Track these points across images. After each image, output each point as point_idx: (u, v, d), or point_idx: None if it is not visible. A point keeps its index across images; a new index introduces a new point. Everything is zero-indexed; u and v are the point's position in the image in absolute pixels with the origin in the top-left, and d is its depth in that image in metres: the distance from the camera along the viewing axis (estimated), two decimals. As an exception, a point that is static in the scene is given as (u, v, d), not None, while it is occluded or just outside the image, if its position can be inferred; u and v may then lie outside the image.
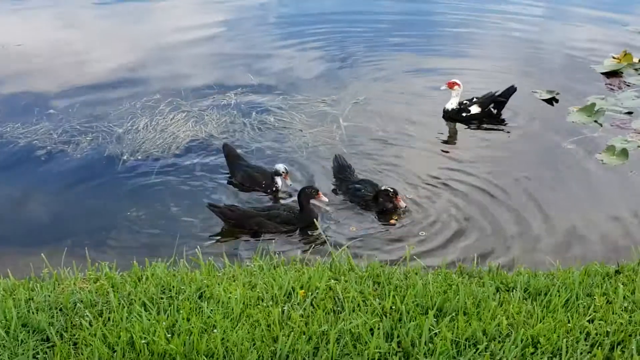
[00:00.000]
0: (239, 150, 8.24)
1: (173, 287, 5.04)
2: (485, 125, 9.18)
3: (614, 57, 10.84)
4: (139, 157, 8.13)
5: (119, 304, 4.70)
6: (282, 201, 7.48)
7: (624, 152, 8.12)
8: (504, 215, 7.07)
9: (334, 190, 7.54)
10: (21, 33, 12.64)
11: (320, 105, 9.57)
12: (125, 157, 8.12)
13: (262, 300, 4.77)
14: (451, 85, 9.09)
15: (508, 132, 8.96)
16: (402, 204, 7.04)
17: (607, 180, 7.72)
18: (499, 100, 9.24)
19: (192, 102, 9.56)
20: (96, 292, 5.03)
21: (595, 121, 9.00)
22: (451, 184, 7.70)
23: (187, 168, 7.99)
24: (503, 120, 9.26)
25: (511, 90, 9.24)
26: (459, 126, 9.15)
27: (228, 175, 7.83)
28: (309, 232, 6.89)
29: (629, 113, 9.20)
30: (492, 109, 9.24)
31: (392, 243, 6.68)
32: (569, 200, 7.35)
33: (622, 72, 10.48)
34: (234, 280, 5.18)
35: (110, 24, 13.49)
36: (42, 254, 5.43)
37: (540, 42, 12.08)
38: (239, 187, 7.68)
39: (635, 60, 10.69)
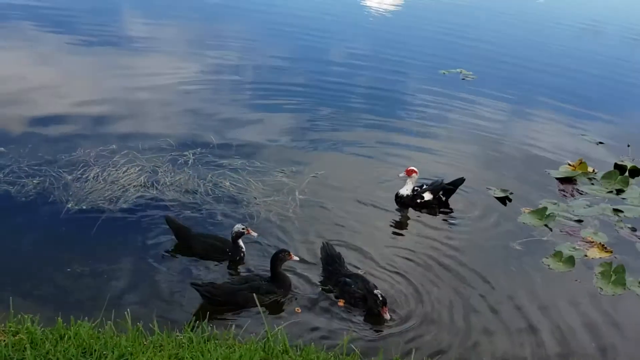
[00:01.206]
0: (187, 212, 8.10)
1: (95, 350, 4.83)
2: (435, 214, 9.21)
3: (569, 164, 11.08)
4: (84, 207, 7.93)
5: (34, 363, 4.45)
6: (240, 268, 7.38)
7: (571, 260, 8.18)
8: (445, 311, 6.97)
9: (322, 282, 7.22)
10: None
11: (279, 175, 9.53)
12: (69, 206, 7.90)
13: (186, 376, 4.57)
14: (409, 173, 9.17)
15: (458, 225, 8.97)
16: (387, 316, 6.66)
17: (552, 287, 7.72)
18: (448, 188, 9.50)
19: (148, 157, 9.44)
20: (13, 347, 4.78)
21: (546, 225, 9.09)
22: (397, 271, 7.63)
23: (132, 224, 7.78)
24: (454, 211, 9.30)
25: (460, 181, 9.56)
26: (410, 212, 9.17)
27: (163, 233, 7.62)
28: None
29: (579, 221, 9.33)
30: (442, 196, 9.44)
31: (337, 327, 6.51)
32: (512, 302, 7.30)
33: (576, 180, 10.70)
34: (160, 351, 4.98)
35: (82, 67, 13.47)
36: (-39, 300, 5.15)
37: (500, 142, 12.32)
38: (195, 255, 7.39)
39: (590, 169, 10.94)
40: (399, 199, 9.28)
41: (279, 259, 6.99)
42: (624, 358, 6.59)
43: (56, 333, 5.07)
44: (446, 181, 9.54)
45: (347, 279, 6.99)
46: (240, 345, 5.15)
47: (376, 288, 6.84)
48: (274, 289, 6.89)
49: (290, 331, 5.94)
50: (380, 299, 6.67)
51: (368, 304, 6.74)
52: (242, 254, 7.48)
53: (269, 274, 7.00)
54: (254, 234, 7.46)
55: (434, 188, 9.39)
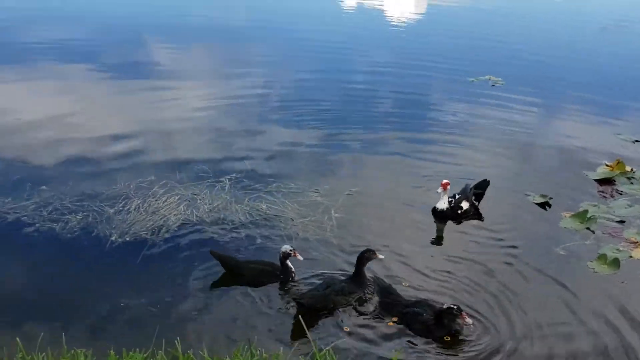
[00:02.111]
0: (227, 237, 8.22)
1: (148, 380, 4.89)
2: (476, 224, 9.16)
3: (607, 165, 10.95)
4: (128, 239, 8.06)
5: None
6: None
7: (616, 262, 8.07)
8: (497, 320, 6.92)
9: (379, 314, 7.00)
10: (21, 105, 12.83)
11: (313, 195, 9.58)
12: (113, 238, 8.05)
13: (239, 401, 4.61)
14: (445, 186, 9.10)
15: (501, 233, 8.89)
16: (468, 320, 6.57)
17: (599, 290, 7.62)
18: (477, 192, 9.53)
19: (186, 186, 9.58)
20: (67, 383, 4.86)
21: (588, 228, 8.99)
22: (443, 283, 7.61)
23: (175, 253, 7.89)
24: (494, 219, 9.24)
25: (485, 183, 9.64)
26: (449, 223, 9.12)
27: (207, 260, 7.70)
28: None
29: (621, 222, 9.21)
30: (474, 202, 9.45)
31: (385, 345, 6.50)
32: (561, 308, 7.23)
33: (614, 180, 10.56)
34: (212, 377, 5.03)
35: (112, 101, 13.72)
36: (17, 338, 5.27)
37: (535, 146, 12.24)
38: (247, 281, 7.39)
39: (628, 169, 10.79)
40: (439, 213, 9.19)
41: (364, 258, 7.30)
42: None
43: (109, 365, 5.16)
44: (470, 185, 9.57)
45: (415, 309, 6.75)
46: (290, 368, 5.19)
47: (443, 304, 6.74)
48: (355, 289, 7.18)
49: (338, 351, 5.96)
50: (455, 307, 6.56)
51: (445, 323, 6.58)
52: (293, 275, 7.51)
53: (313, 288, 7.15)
54: (300, 257, 7.47)
55: (467, 195, 9.37)
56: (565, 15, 30.58)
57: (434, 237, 8.82)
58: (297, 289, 7.31)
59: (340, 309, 7.04)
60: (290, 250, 7.42)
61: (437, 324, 6.61)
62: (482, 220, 9.24)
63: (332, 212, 9.07)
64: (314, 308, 6.94)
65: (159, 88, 14.78)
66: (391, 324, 6.80)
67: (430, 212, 9.30)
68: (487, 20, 27.00)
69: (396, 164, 11.01)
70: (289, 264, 7.49)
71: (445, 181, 9.13)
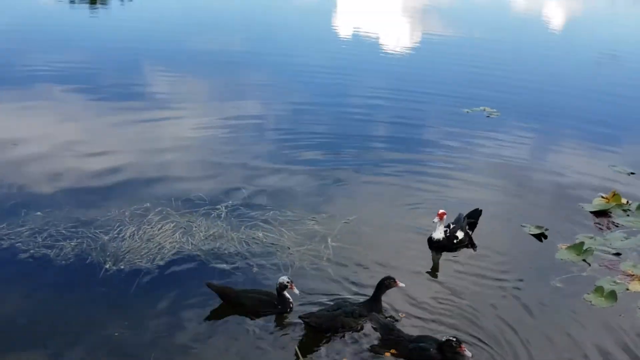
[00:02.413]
0: (223, 265, 8.18)
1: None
2: (471, 255, 9.13)
3: (602, 197, 10.98)
4: (122, 267, 8.00)
5: None
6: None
7: (613, 295, 8.05)
8: (492, 352, 6.88)
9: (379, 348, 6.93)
10: (17, 132, 12.79)
11: (310, 223, 9.55)
12: (107, 266, 7.99)
13: None
14: (441, 216, 9.09)
15: (497, 264, 8.87)
16: (468, 353, 6.58)
17: (597, 323, 7.59)
18: (470, 221, 9.60)
19: (181, 213, 9.54)
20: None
21: (584, 260, 8.98)
22: (440, 314, 7.58)
23: (170, 282, 7.83)
24: (490, 250, 9.22)
25: (477, 213, 9.78)
26: (445, 254, 9.09)
27: (202, 288, 7.64)
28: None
29: (617, 254, 9.21)
30: (468, 231, 9.48)
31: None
32: (559, 341, 7.20)
33: (610, 212, 10.58)
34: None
35: (108, 128, 13.66)
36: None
37: (530, 177, 12.27)
38: (245, 311, 7.36)
39: (624, 201, 10.82)
40: (435, 243, 9.16)
41: (384, 286, 7.45)
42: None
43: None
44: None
45: (421, 344, 6.69)
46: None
47: (442, 338, 6.72)
48: (366, 313, 7.24)
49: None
50: (454, 340, 6.58)
51: (450, 356, 6.58)
52: (291, 305, 7.43)
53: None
54: (297, 291, 7.38)
55: (462, 225, 9.37)
56: (560, 47, 30.88)
57: (431, 267, 8.78)
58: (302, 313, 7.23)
59: (347, 335, 7.02)
60: (288, 282, 7.35)
61: (444, 357, 6.58)
62: (476, 250, 9.23)
63: (329, 240, 9.04)
64: (321, 328, 7.03)
65: (155, 115, 14.78)
66: (387, 354, 6.74)
67: (426, 242, 9.28)
68: (482, 52, 27.20)
69: (392, 193, 11.01)
70: (287, 294, 7.41)
71: (441, 211, 9.12)
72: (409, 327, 7.23)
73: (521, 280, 8.45)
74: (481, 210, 9.85)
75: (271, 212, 9.78)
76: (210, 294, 7.51)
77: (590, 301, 8.02)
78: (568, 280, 8.48)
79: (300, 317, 7.10)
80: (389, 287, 7.49)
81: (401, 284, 7.54)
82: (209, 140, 13.21)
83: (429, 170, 12.25)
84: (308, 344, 6.78)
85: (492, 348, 6.95)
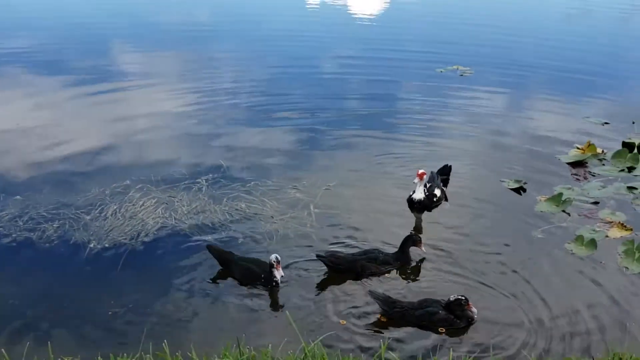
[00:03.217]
0: (207, 238, 8.18)
1: (138, 384, 4.86)
2: (451, 212, 9.22)
3: (578, 148, 11.12)
4: (106, 245, 7.98)
5: (81, 403, 4.50)
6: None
7: (593, 242, 8.20)
8: (477, 307, 6.98)
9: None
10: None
11: (292, 192, 9.58)
12: (92, 245, 7.95)
13: (232, 400, 4.60)
14: (421, 176, 9.07)
15: (478, 220, 8.99)
16: (474, 309, 6.68)
17: (578, 271, 7.74)
18: (443, 178, 9.70)
19: (162, 189, 9.50)
20: (57, 391, 4.82)
21: (563, 211, 9.12)
22: (425, 273, 7.68)
23: (156, 257, 7.84)
24: (471, 207, 9.32)
25: (447, 168, 9.91)
26: (425, 214, 9.16)
27: (188, 262, 7.67)
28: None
29: (596, 203, 9.36)
30: (443, 188, 9.52)
31: (375, 337, 6.53)
32: (541, 291, 7.32)
33: (587, 162, 10.74)
34: (203, 377, 5.01)
35: (83, 107, 13.52)
36: (2, 349, 5.20)
37: (506, 133, 12.38)
38: (236, 280, 7.40)
39: (599, 151, 10.97)
40: (416, 204, 9.04)
41: (410, 240, 7.76)
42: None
43: (98, 372, 5.12)
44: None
45: (428, 309, 6.69)
46: (280, 364, 5.19)
47: (449, 297, 6.76)
48: (390, 260, 7.60)
49: (328, 344, 5.99)
50: (463, 298, 6.66)
51: (460, 314, 6.66)
52: (274, 283, 7.28)
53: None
54: (281, 273, 7.21)
55: (437, 183, 9.38)
56: (530, 2, 30.92)
57: (413, 227, 8.85)
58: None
59: (347, 299, 7.09)
60: (274, 262, 7.20)
61: (456, 316, 6.67)
62: (460, 209, 9.30)
63: (312, 207, 9.08)
64: (338, 269, 7.46)
65: (129, 92, 14.64)
66: (383, 318, 6.79)
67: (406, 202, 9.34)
68: (453, 11, 27.18)
69: (371, 156, 11.06)
70: (275, 272, 7.24)
71: (421, 171, 9.07)
72: (406, 293, 7.31)
73: (503, 234, 8.56)
74: (451, 166, 9.99)
75: (252, 183, 9.78)
76: (197, 266, 7.56)
77: (571, 250, 8.17)
78: (549, 231, 8.62)
79: (317, 256, 7.49)
80: (414, 243, 7.79)
81: (423, 249, 7.83)
82: (184, 114, 13.13)
83: (405, 131, 12.31)
84: (302, 312, 6.85)
85: (475, 302, 7.04)
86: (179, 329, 6.51)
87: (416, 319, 6.69)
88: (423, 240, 7.93)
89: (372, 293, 6.90)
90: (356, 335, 6.52)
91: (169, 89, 14.89)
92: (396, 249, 7.87)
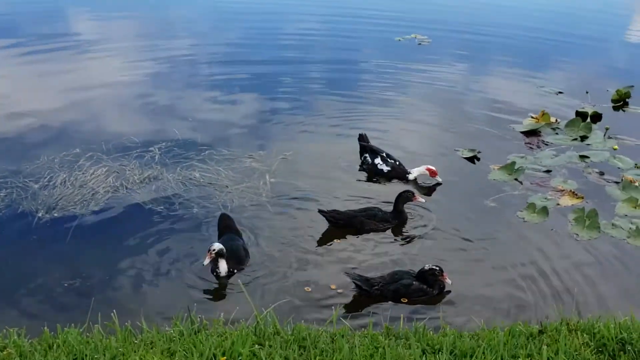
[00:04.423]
0: (160, 208, 8.06)
1: (86, 355, 4.78)
2: (406, 182, 9.24)
3: (532, 117, 11.22)
4: (55, 215, 7.78)
5: (27, 375, 4.40)
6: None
7: (544, 210, 8.31)
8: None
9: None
10: None
11: (247, 161, 9.47)
12: (40, 215, 7.75)
13: (182, 369, 4.55)
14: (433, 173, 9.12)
15: (431, 189, 9.04)
16: (449, 281, 6.72)
17: (529, 238, 7.85)
18: (369, 146, 9.57)
19: (113, 157, 9.30)
20: (2, 363, 4.70)
21: (516, 179, 9.21)
22: (376, 242, 7.70)
23: (106, 227, 7.67)
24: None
25: (363, 137, 9.70)
26: (381, 184, 9.16)
27: (140, 232, 7.53)
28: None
29: (548, 171, 9.48)
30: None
31: (317, 304, 6.53)
32: (493, 259, 7.42)
33: (540, 131, 10.85)
34: (152, 348, 4.95)
35: (31, 74, 13.14)
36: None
37: (462, 102, 12.44)
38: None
39: (553, 120, 11.09)
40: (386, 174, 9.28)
41: (402, 198, 7.96)
42: (606, 298, 6.73)
43: (44, 343, 5.00)
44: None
45: (404, 281, 6.64)
46: (231, 333, 5.14)
47: (423, 267, 6.76)
48: (388, 218, 7.89)
49: (284, 311, 5.98)
50: (437, 269, 6.67)
51: (432, 284, 6.67)
52: (216, 273, 6.88)
53: None
54: (224, 268, 6.87)
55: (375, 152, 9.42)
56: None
57: (368, 195, 8.82)
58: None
59: (310, 265, 7.08)
60: (213, 250, 6.81)
61: (429, 286, 6.66)
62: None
63: (267, 177, 8.99)
64: (338, 224, 7.77)
65: (79, 58, 14.27)
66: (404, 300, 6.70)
67: (360, 172, 9.32)
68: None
69: (326, 125, 11.01)
70: (219, 263, 6.90)
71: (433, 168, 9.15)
72: (367, 263, 7.31)
73: (455, 202, 8.63)
74: (362, 134, 9.77)
75: (207, 152, 9.64)
76: (148, 237, 7.43)
77: (523, 218, 8.27)
78: (501, 199, 8.71)
79: (319, 211, 7.79)
80: (407, 199, 8.01)
81: (421, 199, 8.11)
82: (137, 81, 12.87)
83: (361, 99, 12.28)
84: (259, 282, 6.82)
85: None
86: (129, 300, 6.40)
87: (392, 294, 6.65)
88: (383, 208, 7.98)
89: (349, 275, 6.74)
90: (312, 304, 6.49)
91: (122, 56, 14.55)
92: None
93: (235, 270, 6.93)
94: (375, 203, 8.44)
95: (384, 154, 9.35)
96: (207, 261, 6.82)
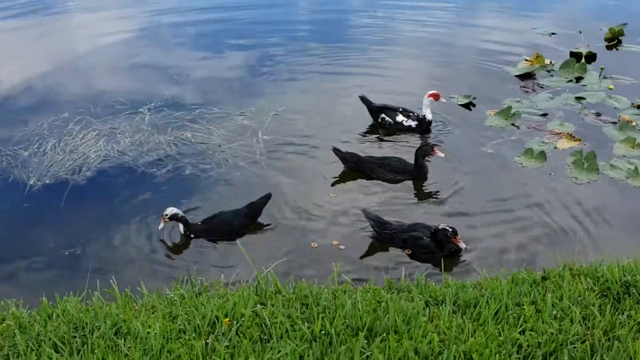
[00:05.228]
0: (153, 170, 7.94)
1: (87, 324, 4.71)
2: (403, 131, 9.11)
3: (526, 60, 11.04)
4: (47, 182, 7.65)
5: (27, 346, 4.35)
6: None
7: (542, 154, 8.22)
8: (429, 223, 6.98)
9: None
10: None
11: (239, 119, 9.31)
12: (32, 182, 7.62)
13: (184, 333, 4.51)
14: (436, 97, 8.93)
15: (427, 139, 8.92)
16: (462, 245, 6.43)
17: (529, 183, 7.78)
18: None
19: (103, 120, 9.13)
20: (1, 335, 4.64)
21: (513, 124, 9.10)
22: (376, 193, 7.63)
23: (99, 192, 7.56)
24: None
25: (364, 99, 9.29)
26: (380, 135, 9.04)
27: (134, 196, 7.42)
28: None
29: (544, 115, 9.36)
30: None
31: (318, 261, 6.48)
32: (493, 206, 7.36)
33: (535, 74, 10.68)
34: (153, 312, 4.89)
35: (15, 39, 12.82)
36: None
37: (453, 47, 12.19)
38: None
39: (547, 62, 10.91)
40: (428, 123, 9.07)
41: (420, 151, 7.75)
42: (608, 241, 6.70)
43: (44, 313, 4.93)
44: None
45: (414, 233, 6.54)
46: (232, 294, 5.08)
47: (439, 225, 6.53)
48: (404, 170, 7.73)
49: (281, 271, 5.92)
50: (450, 230, 6.39)
51: (442, 244, 6.46)
52: (182, 233, 6.83)
53: None
54: (160, 224, 6.70)
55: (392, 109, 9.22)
56: None
57: (362, 148, 8.67)
58: None
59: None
60: (166, 215, 6.66)
61: (437, 245, 6.49)
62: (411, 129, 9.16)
63: (260, 134, 8.85)
64: (349, 165, 7.88)
65: (63, 20, 13.91)
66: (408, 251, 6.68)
67: (352, 126, 9.18)
68: None
69: (318, 79, 10.80)
70: (181, 228, 6.83)
71: (434, 92, 8.97)
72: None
73: (454, 150, 8.51)
74: (361, 96, 9.35)
75: (197, 111, 9.47)
76: (143, 201, 7.34)
77: (522, 163, 8.18)
78: (499, 145, 8.61)
79: (334, 149, 7.89)
80: (426, 153, 7.79)
81: (441, 154, 7.77)
82: (122, 42, 12.55)
83: (351, 51, 11.98)
84: (259, 241, 6.75)
85: (430, 218, 7.03)
86: (127, 265, 6.35)
87: (402, 243, 6.62)
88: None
89: (365, 212, 6.82)
90: (313, 262, 6.45)
91: (106, 16, 14.14)
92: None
93: (192, 235, 6.79)
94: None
95: (401, 109, 9.12)
96: (161, 225, 6.71)
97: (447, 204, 7.41)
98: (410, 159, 7.94)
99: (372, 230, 6.79)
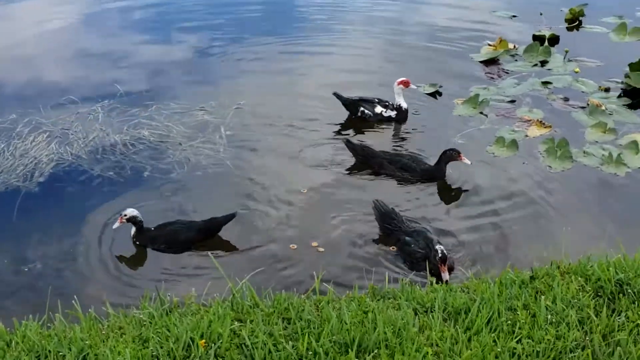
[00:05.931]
0: (110, 173, 7.49)
1: (50, 352, 4.31)
2: (371, 120, 8.83)
3: (489, 45, 10.84)
4: (-4, 190, 7.15)
5: (-16, 383, 3.94)
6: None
7: (514, 143, 8.04)
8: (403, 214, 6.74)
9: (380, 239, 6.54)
10: None
11: (199, 114, 8.89)
12: (-21, 191, 7.11)
13: (157, 359, 4.14)
14: (406, 84, 8.72)
15: (396, 129, 8.67)
16: (445, 276, 5.83)
17: (502, 173, 7.60)
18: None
19: (54, 120, 8.59)
20: (-48, 371, 4.22)
21: (481, 112, 8.89)
22: (345, 188, 7.34)
23: (55, 200, 7.10)
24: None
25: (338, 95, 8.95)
26: (345, 125, 8.75)
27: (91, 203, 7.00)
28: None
29: (512, 102, 9.19)
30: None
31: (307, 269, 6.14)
32: (467, 200, 7.18)
33: (499, 59, 10.49)
34: (122, 335, 4.50)
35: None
36: None
37: (413, 37, 11.75)
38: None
39: (511, 46, 10.74)
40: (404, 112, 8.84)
41: (446, 155, 7.33)
42: (590, 232, 6.56)
43: (1, 341, 4.52)
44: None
45: (407, 238, 6.21)
46: (206, 310, 4.73)
47: (439, 243, 6.08)
48: (413, 169, 7.38)
49: (257, 282, 5.57)
50: (440, 255, 5.85)
51: (431, 262, 5.90)
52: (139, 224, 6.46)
53: None
54: (116, 224, 6.39)
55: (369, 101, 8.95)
56: None
57: (332, 140, 8.39)
58: None
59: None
60: (124, 216, 6.37)
61: (423, 259, 6.04)
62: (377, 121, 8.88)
63: (222, 130, 8.45)
64: (355, 153, 7.69)
65: (5, 10, 13.15)
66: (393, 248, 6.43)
67: (320, 117, 8.85)
68: None
69: (276, 70, 10.36)
70: (133, 230, 6.51)
71: (404, 79, 8.76)
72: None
73: (424, 141, 8.30)
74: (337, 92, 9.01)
75: (153, 107, 9.01)
76: (105, 210, 6.88)
77: (494, 153, 7.99)
78: (469, 135, 8.40)
79: (346, 141, 7.78)
80: (451, 158, 7.36)
81: (467, 161, 7.33)
82: (68, 34, 11.91)
83: (309, 40, 11.54)
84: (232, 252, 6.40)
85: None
86: (89, 281, 5.93)
87: (397, 242, 6.33)
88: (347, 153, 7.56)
89: (375, 203, 6.61)
90: (291, 267, 6.15)
91: (49, 5, 13.43)
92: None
93: (138, 242, 6.45)
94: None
95: (377, 100, 8.83)
96: (116, 225, 6.37)
97: (419, 196, 7.20)
98: (383, 143, 7.69)
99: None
